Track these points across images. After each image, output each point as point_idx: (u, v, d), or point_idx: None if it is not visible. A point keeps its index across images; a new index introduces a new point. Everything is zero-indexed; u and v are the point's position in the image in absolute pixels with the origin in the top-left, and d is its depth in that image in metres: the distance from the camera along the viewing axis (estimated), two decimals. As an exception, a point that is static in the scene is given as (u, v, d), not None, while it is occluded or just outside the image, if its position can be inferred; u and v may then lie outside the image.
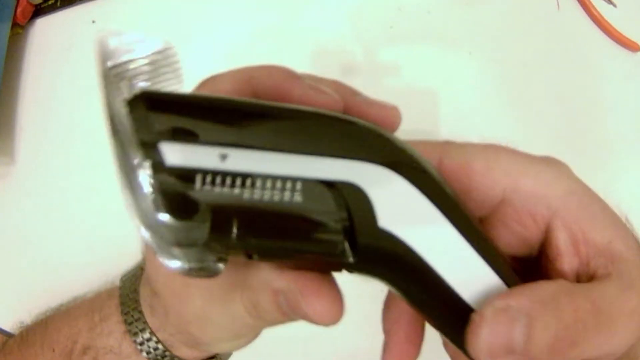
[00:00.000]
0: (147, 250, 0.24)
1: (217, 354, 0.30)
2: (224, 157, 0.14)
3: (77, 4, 0.44)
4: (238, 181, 0.14)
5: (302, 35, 0.43)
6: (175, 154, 0.14)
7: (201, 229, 0.14)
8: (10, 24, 0.41)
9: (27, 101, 0.43)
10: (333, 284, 0.18)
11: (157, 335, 0.26)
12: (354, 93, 0.19)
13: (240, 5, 0.45)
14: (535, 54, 0.44)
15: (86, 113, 0.43)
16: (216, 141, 0.14)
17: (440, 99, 0.42)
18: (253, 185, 0.14)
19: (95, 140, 0.42)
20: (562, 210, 0.19)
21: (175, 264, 0.15)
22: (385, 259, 0.17)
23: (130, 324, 0.26)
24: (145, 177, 0.14)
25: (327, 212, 0.15)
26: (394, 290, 0.18)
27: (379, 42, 0.43)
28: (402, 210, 0.16)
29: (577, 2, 0.45)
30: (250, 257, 0.16)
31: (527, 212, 0.20)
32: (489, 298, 0.18)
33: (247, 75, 0.19)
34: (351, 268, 0.17)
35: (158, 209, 0.14)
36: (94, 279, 0.36)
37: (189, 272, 0.16)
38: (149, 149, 0.14)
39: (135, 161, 0.14)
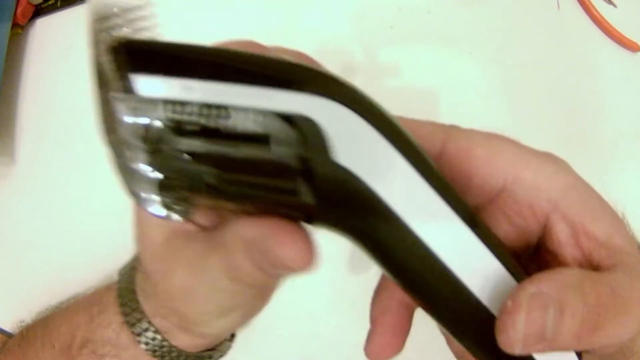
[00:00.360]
0: (139, 230, 0.24)
1: (216, 348, 0.30)
2: (187, 88, 0.16)
3: (77, 4, 0.44)
4: (198, 110, 0.16)
5: (302, 35, 0.43)
6: (145, 85, 0.16)
7: (167, 157, 0.16)
8: (10, 24, 0.41)
9: (27, 101, 0.43)
10: (303, 229, 0.18)
11: (154, 322, 0.26)
12: (318, 65, 0.21)
13: (240, 6, 0.45)
14: (535, 54, 0.44)
15: (86, 113, 0.43)
16: (182, 74, 0.16)
17: (440, 99, 0.42)
18: (211, 114, 0.16)
19: (95, 140, 0.42)
20: (561, 203, 0.20)
21: (145, 196, 0.17)
22: (343, 198, 0.17)
23: (128, 314, 0.27)
24: (120, 108, 0.16)
25: (283, 144, 0.16)
26: (362, 248, 0.18)
27: (379, 42, 0.44)
28: (357, 146, 0.16)
29: (577, 2, 0.45)
30: (212, 196, 0.17)
31: (526, 203, 0.20)
32: (455, 246, 0.17)
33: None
34: (312, 213, 0.17)
35: (132, 139, 0.16)
36: (94, 279, 0.36)
37: (155, 208, 0.17)
38: (124, 82, 0.16)
39: (113, 95, 0.16)
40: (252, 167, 0.16)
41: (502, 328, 0.17)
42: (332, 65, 0.22)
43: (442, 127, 0.21)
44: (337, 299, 0.38)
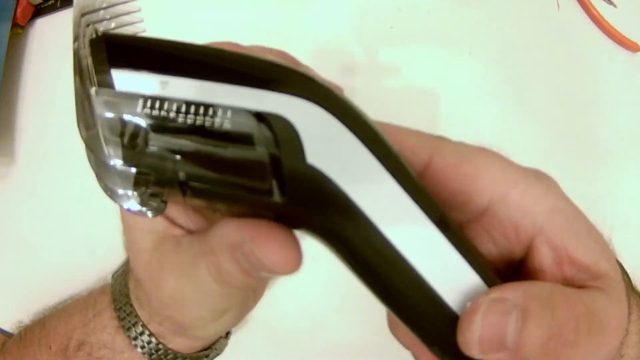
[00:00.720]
0: (128, 239, 0.24)
1: (212, 346, 0.30)
2: (164, 84, 0.16)
3: (77, 4, 0.44)
4: (174, 107, 0.16)
5: (302, 35, 0.43)
6: (123, 80, 0.16)
7: (142, 153, 0.16)
8: (10, 24, 0.41)
9: (27, 101, 0.43)
10: (288, 231, 0.18)
11: (149, 327, 0.26)
12: (298, 64, 0.20)
13: (239, 6, 0.45)
14: (535, 54, 0.44)
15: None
16: (159, 70, 0.16)
17: (440, 99, 0.42)
18: (187, 111, 0.16)
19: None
20: (547, 227, 0.19)
21: (120, 192, 0.17)
22: (313, 199, 0.16)
23: (123, 319, 0.27)
24: (98, 103, 0.16)
25: (255, 143, 0.16)
26: (332, 250, 0.18)
27: (379, 42, 0.43)
28: (331, 148, 0.16)
29: (577, 2, 0.45)
30: (184, 193, 0.17)
31: (511, 224, 0.20)
32: (424, 249, 0.17)
33: None
34: (282, 213, 0.17)
35: (108, 134, 0.16)
36: (94, 279, 0.36)
37: (129, 203, 0.17)
38: (103, 77, 0.16)
39: (91, 90, 0.16)
40: (223, 164, 0.16)
41: (460, 328, 0.17)
42: (332, 65, 0.22)
43: (430, 138, 0.20)
44: (337, 298, 0.38)
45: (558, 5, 0.45)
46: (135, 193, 0.17)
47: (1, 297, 0.39)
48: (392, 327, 0.23)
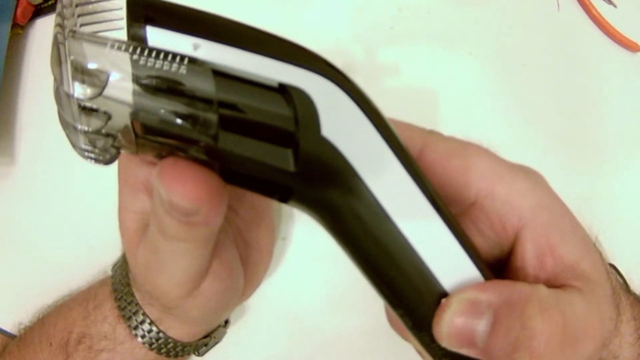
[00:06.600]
0: (119, 220, 0.24)
1: (210, 335, 0.30)
2: (196, 46, 0.16)
3: (77, 4, 0.44)
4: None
5: (302, 35, 0.43)
6: (156, 37, 0.16)
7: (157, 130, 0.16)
8: (10, 24, 0.41)
9: (27, 101, 0.43)
10: (196, 166, 0.17)
11: (147, 312, 0.26)
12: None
13: (239, 6, 0.45)
14: (535, 54, 0.44)
15: (86, 113, 0.42)
16: (192, 32, 0.16)
17: (440, 99, 0.42)
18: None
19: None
20: (532, 222, 0.19)
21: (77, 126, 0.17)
22: (322, 170, 0.17)
23: (124, 308, 0.27)
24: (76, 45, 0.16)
25: (275, 111, 0.16)
26: (329, 226, 0.18)
27: (379, 42, 0.43)
28: (345, 126, 0.17)
29: (577, 3, 0.45)
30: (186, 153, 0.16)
31: (498, 218, 0.20)
32: (428, 235, 0.18)
33: None
34: (291, 183, 0.17)
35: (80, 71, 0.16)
36: (95, 279, 0.36)
37: (89, 147, 0.17)
38: (137, 31, 0.16)
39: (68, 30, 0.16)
40: (241, 124, 0.16)
41: (433, 320, 0.18)
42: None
43: (422, 132, 0.21)
44: (337, 298, 0.38)
45: (558, 5, 0.45)
46: (92, 128, 0.17)
47: (1, 297, 0.39)
48: (390, 320, 0.23)
